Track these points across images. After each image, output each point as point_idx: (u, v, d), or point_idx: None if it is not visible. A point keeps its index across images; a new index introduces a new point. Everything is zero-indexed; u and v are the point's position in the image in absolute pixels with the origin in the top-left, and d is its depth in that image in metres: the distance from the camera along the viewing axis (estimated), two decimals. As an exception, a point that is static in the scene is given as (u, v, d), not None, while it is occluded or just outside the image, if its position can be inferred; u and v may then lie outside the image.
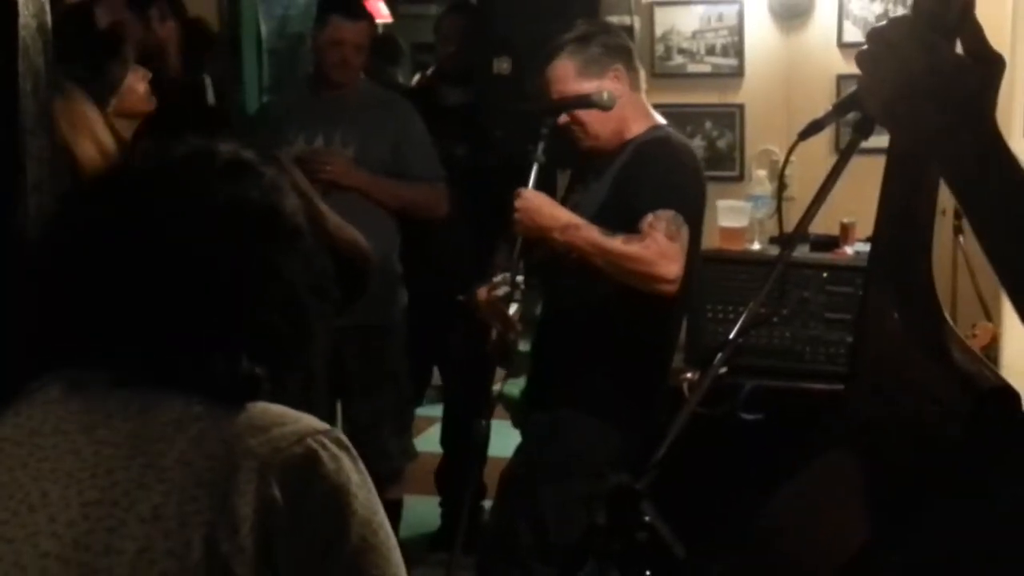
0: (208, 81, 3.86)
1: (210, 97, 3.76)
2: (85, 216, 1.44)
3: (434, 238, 4.88)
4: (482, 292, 3.51)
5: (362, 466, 1.40)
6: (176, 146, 1.46)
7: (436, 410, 5.61)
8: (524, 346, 3.60)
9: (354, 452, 1.40)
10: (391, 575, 1.36)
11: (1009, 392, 1.65)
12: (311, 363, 1.44)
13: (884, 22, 1.42)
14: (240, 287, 1.39)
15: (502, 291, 3.42)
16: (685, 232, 3.26)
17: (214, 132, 3.29)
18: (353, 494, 1.35)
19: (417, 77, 5.70)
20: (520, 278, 3.39)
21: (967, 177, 1.32)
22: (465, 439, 4.61)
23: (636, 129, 3.47)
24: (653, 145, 3.42)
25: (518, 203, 3.32)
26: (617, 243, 3.23)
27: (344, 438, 1.39)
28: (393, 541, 1.39)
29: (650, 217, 3.23)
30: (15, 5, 1.67)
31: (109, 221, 1.41)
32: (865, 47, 1.39)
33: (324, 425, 1.40)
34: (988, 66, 1.35)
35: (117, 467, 1.32)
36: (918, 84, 1.32)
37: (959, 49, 1.37)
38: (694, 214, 3.37)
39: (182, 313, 1.38)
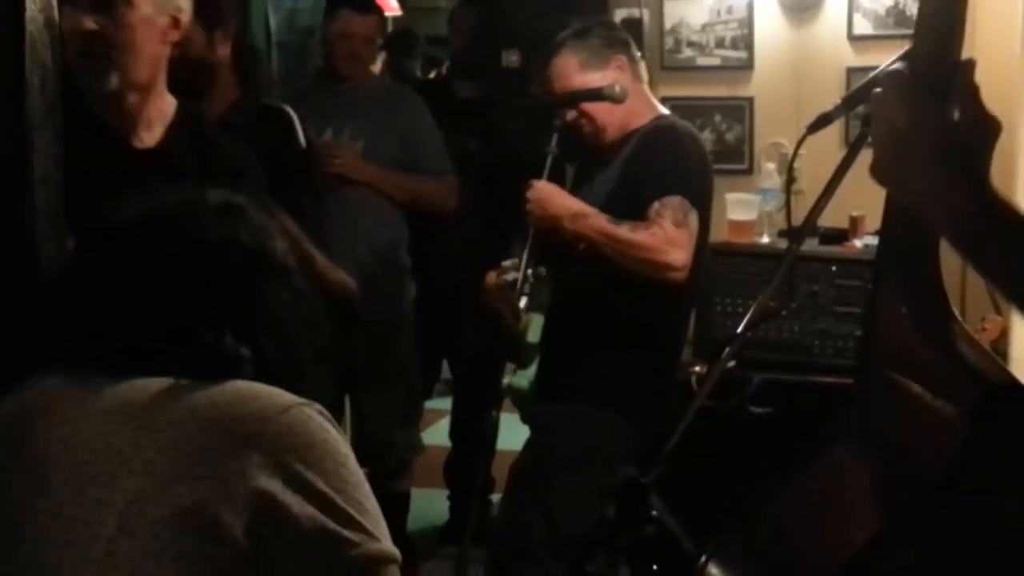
0: (293, 113, 3.67)
1: (300, 138, 3.58)
2: (91, 257, 1.53)
3: (445, 231, 4.88)
4: (491, 276, 3.53)
5: (346, 441, 1.44)
6: (170, 192, 1.53)
7: (445, 403, 5.61)
8: (533, 337, 3.60)
9: (337, 426, 1.44)
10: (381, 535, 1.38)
11: (1018, 387, 1.65)
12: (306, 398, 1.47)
13: (882, 77, 1.40)
14: (228, 311, 1.46)
15: (510, 276, 3.44)
16: (693, 218, 3.27)
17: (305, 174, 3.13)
18: (344, 456, 1.38)
19: (434, 73, 5.70)
20: (531, 270, 3.40)
21: (963, 233, 1.32)
22: (474, 432, 4.63)
23: (641, 120, 3.48)
24: (658, 133, 3.42)
25: (530, 193, 3.35)
26: (624, 231, 3.23)
27: (326, 412, 1.43)
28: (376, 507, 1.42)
29: (656, 204, 3.23)
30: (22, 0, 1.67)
31: (113, 259, 1.49)
32: (879, 97, 1.38)
33: (307, 400, 1.44)
34: (983, 128, 1.34)
35: (110, 431, 1.37)
36: (906, 145, 1.31)
37: (956, 111, 1.35)
38: (701, 200, 3.37)
39: (172, 333, 1.46)
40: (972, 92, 1.34)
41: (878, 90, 1.36)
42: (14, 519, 1.35)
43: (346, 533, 1.34)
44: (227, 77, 3.56)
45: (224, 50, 3.55)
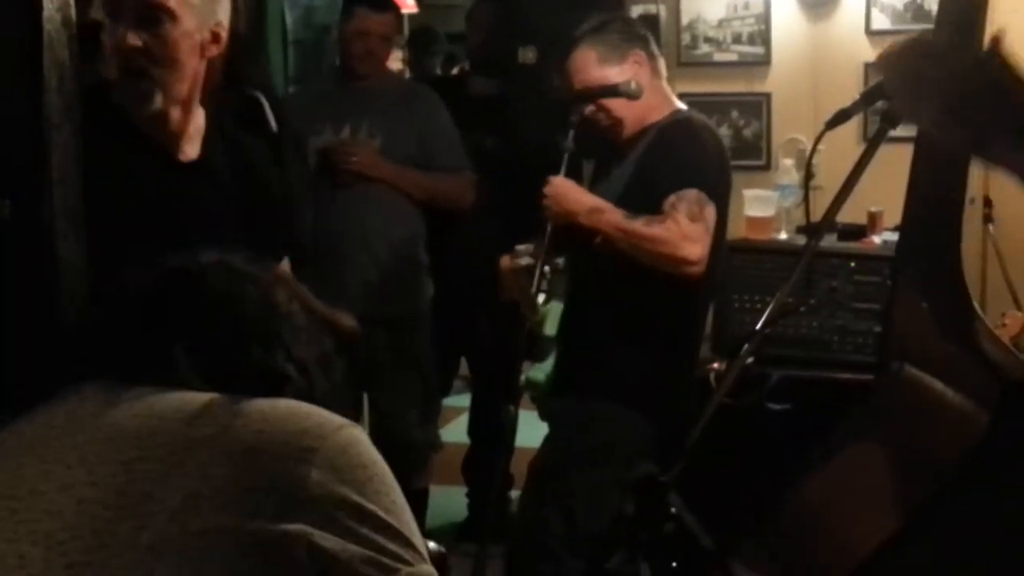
0: (263, 99, 3.82)
1: (272, 123, 3.74)
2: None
3: (463, 228, 4.88)
4: (505, 260, 3.53)
5: None
6: (163, 263, 1.53)
7: (463, 400, 5.61)
8: (550, 329, 3.60)
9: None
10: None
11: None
12: None
13: (904, 41, 1.40)
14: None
15: (524, 260, 3.44)
16: (710, 211, 3.26)
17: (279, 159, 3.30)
18: (392, 479, 1.39)
19: (456, 69, 5.71)
20: (547, 268, 3.41)
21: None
22: (492, 429, 4.63)
23: (658, 114, 3.47)
24: (674, 128, 3.42)
25: (547, 189, 3.36)
26: (639, 225, 3.23)
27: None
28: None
29: (672, 198, 3.23)
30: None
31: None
32: (898, 67, 1.38)
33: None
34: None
35: (160, 431, 1.35)
36: (971, 79, 1.31)
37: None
38: (718, 193, 3.36)
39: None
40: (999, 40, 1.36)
41: (911, 41, 1.36)
42: (53, 509, 1.33)
43: (395, 552, 1.34)
44: (216, 70, 3.62)
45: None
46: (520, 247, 3.51)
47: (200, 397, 1.40)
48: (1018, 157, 1.34)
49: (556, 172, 3.38)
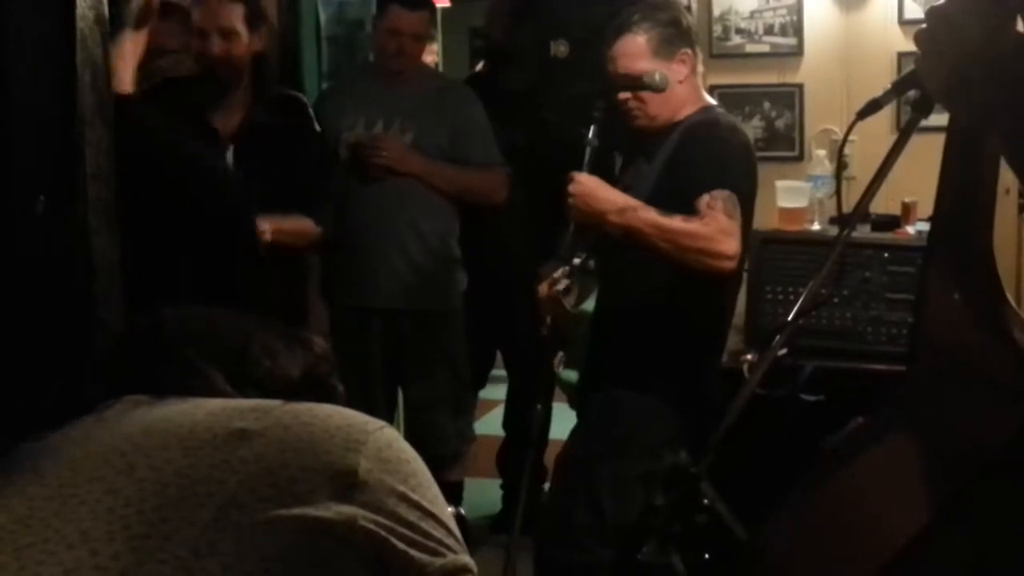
0: (306, 101, 4.06)
1: (315, 120, 3.95)
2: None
3: (497, 223, 4.88)
4: (543, 288, 3.53)
5: None
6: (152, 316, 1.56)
7: (499, 392, 5.62)
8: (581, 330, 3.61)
9: None
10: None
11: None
12: None
13: (943, 0, 1.40)
14: None
15: (562, 285, 3.44)
16: (739, 212, 3.26)
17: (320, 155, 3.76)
18: (430, 475, 1.41)
19: (480, 66, 5.71)
20: (576, 261, 3.41)
21: None
22: (527, 422, 4.64)
23: (687, 111, 3.46)
24: (702, 127, 3.41)
25: (572, 187, 3.33)
26: (677, 222, 3.23)
27: None
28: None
29: (707, 197, 3.23)
30: (73, -3, 1.69)
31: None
32: (924, 25, 1.37)
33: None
34: None
35: (213, 424, 1.37)
36: (978, 61, 1.30)
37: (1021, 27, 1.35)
38: (746, 195, 3.36)
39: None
40: None
41: (940, 9, 1.36)
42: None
43: (440, 539, 1.37)
44: (248, 80, 3.79)
45: (258, 48, 3.77)
46: (556, 273, 3.49)
47: (245, 401, 1.42)
48: (1007, 143, 1.33)
49: (580, 167, 3.36)
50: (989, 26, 1.31)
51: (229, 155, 3.74)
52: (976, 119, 1.37)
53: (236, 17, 3.73)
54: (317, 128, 3.97)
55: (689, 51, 3.47)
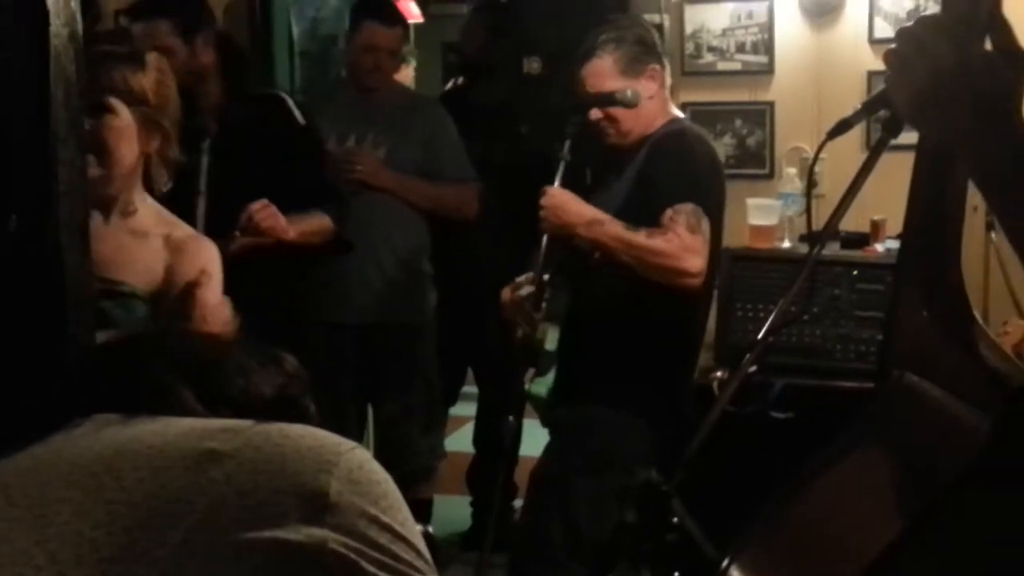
0: (286, 97, 4.01)
1: (298, 116, 3.90)
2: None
3: (471, 237, 4.89)
4: (506, 293, 3.55)
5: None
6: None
7: (469, 409, 5.62)
8: (551, 346, 3.61)
9: None
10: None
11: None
12: None
13: (913, 21, 1.41)
14: None
15: (525, 291, 3.45)
16: (706, 224, 3.28)
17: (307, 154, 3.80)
18: (401, 497, 1.40)
19: (450, 84, 5.74)
20: (546, 276, 3.42)
21: (997, 177, 1.32)
22: (497, 439, 4.64)
23: (655, 125, 3.49)
24: (669, 140, 3.44)
25: (543, 200, 3.36)
26: (640, 237, 3.25)
27: None
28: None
29: (670, 211, 3.25)
30: (47, 14, 1.68)
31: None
32: (893, 46, 1.39)
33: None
34: (1018, 65, 1.35)
35: (183, 445, 1.35)
36: (947, 83, 1.31)
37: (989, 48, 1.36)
38: (713, 206, 3.38)
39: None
40: (1006, 29, 1.35)
41: (910, 30, 1.37)
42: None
43: (410, 562, 1.36)
44: (214, 80, 3.74)
45: (207, 56, 3.72)
46: (520, 278, 3.52)
47: (216, 421, 1.42)
48: (974, 162, 1.35)
49: (552, 181, 3.38)
50: (958, 46, 1.32)
51: (204, 150, 3.68)
52: (946, 139, 1.38)
53: (164, 33, 3.64)
54: (302, 122, 3.92)
55: (657, 66, 3.49)
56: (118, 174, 2.59)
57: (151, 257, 2.63)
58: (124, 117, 2.60)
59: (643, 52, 3.49)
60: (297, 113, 3.90)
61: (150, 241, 2.66)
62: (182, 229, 2.75)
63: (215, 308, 2.60)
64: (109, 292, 2.50)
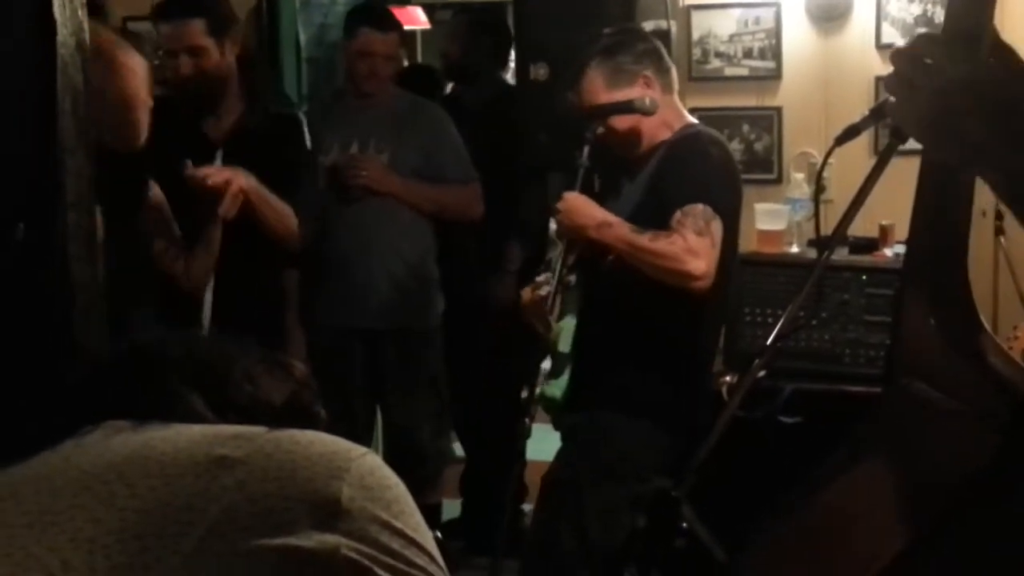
0: (304, 121, 4.09)
1: (307, 140, 3.98)
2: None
3: (469, 241, 4.90)
4: (526, 292, 3.57)
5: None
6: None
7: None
8: (564, 347, 3.62)
9: None
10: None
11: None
12: None
13: (907, 41, 1.41)
14: None
15: (545, 291, 3.46)
16: (716, 225, 3.27)
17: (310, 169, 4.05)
18: (413, 502, 1.40)
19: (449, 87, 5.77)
20: (561, 281, 3.44)
21: (1021, 187, 1.31)
22: (485, 441, 4.69)
23: (668, 131, 3.49)
24: (682, 143, 3.44)
25: (559, 204, 3.39)
26: (645, 240, 3.25)
27: None
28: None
29: (678, 213, 3.25)
30: (54, 23, 1.69)
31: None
32: (894, 70, 1.38)
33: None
34: (1021, 77, 1.35)
35: (194, 452, 1.35)
36: (957, 98, 1.31)
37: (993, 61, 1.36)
38: (727, 207, 3.37)
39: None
40: (1007, 47, 1.35)
41: (908, 51, 1.36)
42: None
43: (423, 567, 1.36)
44: (235, 86, 3.78)
45: (232, 58, 3.76)
46: (540, 278, 3.54)
47: (227, 427, 1.42)
48: (1001, 176, 1.34)
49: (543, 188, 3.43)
50: (965, 60, 1.32)
51: (218, 158, 3.74)
52: (962, 154, 1.37)
53: (198, 33, 3.72)
54: (308, 145, 4.03)
55: (650, 73, 3.48)
56: None
57: None
58: None
59: (632, 61, 3.47)
60: (308, 137, 3.99)
61: None
62: None
63: None
64: None
